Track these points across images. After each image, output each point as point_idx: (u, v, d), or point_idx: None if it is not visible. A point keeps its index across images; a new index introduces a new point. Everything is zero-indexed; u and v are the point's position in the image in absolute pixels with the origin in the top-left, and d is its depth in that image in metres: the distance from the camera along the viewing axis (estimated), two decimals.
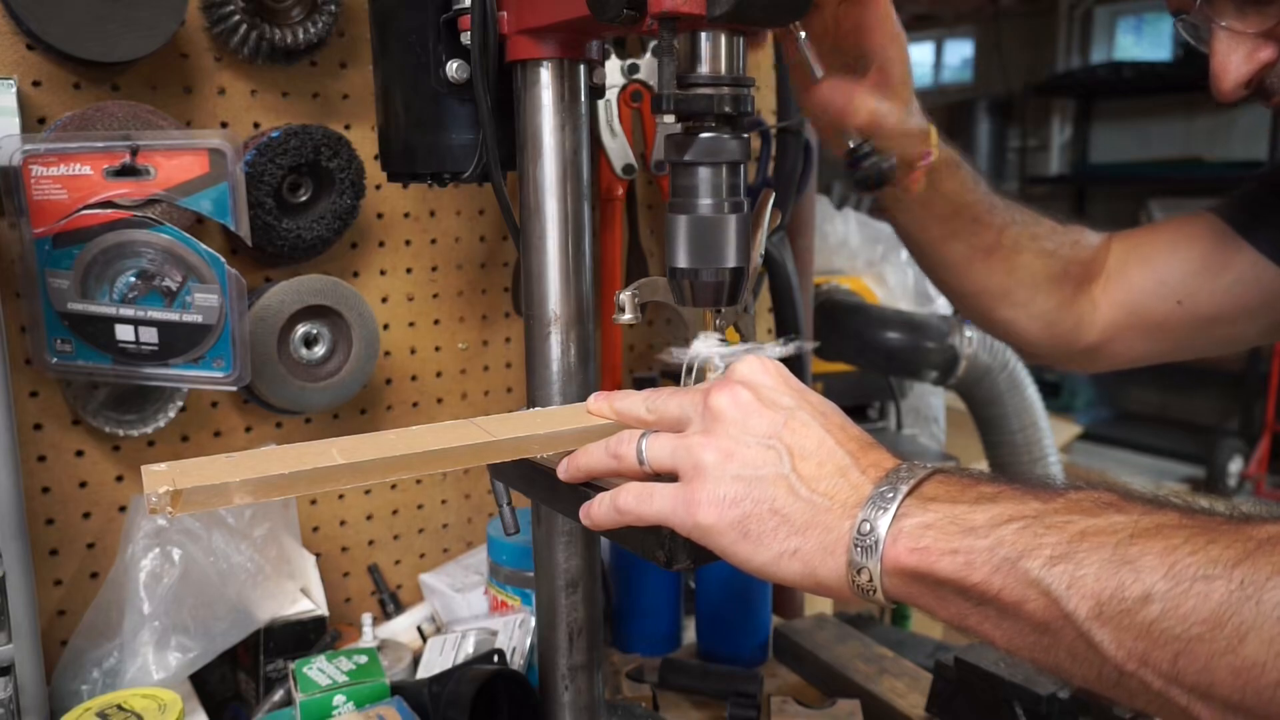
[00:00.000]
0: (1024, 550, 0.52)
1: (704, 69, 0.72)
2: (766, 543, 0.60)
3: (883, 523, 0.57)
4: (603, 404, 0.74)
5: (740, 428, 0.63)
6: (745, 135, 0.74)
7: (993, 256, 1.06)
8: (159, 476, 0.59)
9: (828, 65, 0.94)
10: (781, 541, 0.60)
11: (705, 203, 0.73)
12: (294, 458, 0.63)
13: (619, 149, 1.28)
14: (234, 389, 1.05)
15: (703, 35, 0.71)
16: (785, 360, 0.84)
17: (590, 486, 0.70)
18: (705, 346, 0.79)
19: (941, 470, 0.60)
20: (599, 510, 0.67)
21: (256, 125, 1.14)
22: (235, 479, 0.59)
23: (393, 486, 1.33)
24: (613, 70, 1.26)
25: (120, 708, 0.84)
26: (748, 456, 0.62)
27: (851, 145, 0.98)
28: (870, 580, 0.57)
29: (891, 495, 0.58)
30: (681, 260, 0.75)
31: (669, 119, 0.72)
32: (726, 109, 0.71)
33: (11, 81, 0.97)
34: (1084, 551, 0.51)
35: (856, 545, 0.57)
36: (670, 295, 0.79)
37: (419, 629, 1.29)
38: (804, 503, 0.60)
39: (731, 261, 0.74)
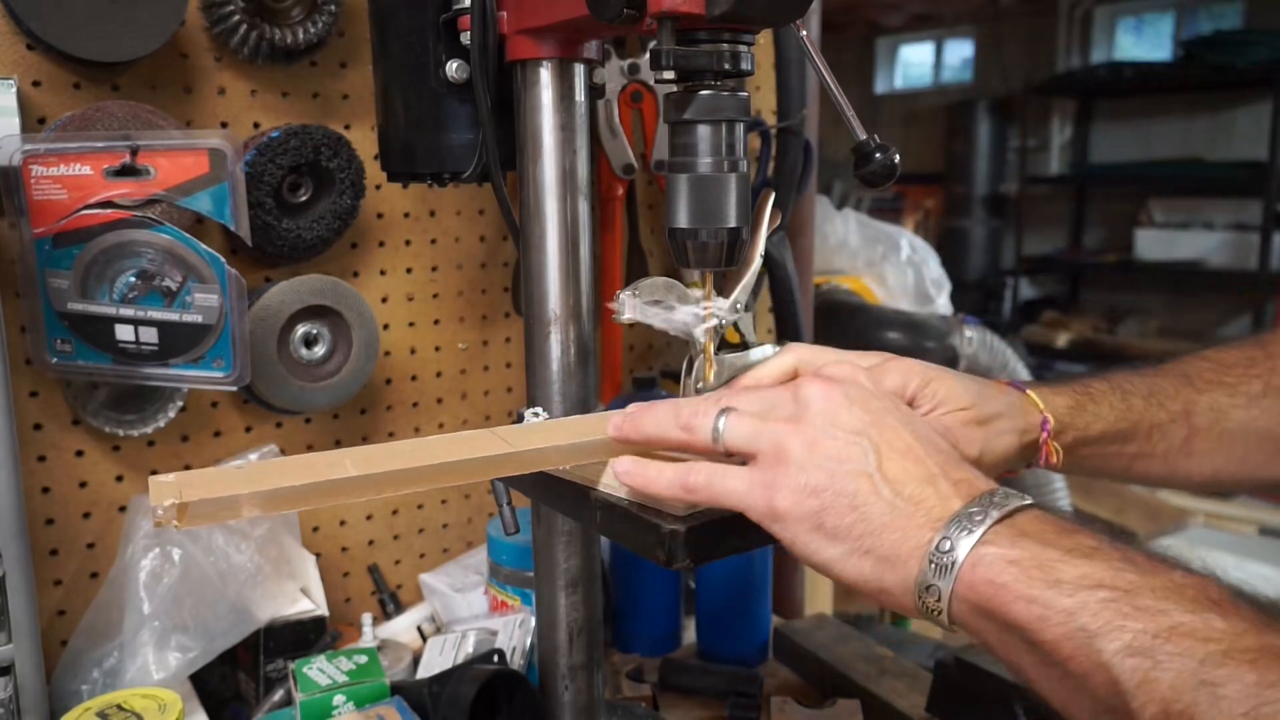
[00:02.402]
0: (1104, 627, 0.48)
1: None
2: (839, 538, 0.57)
3: (965, 544, 0.53)
4: (627, 430, 0.67)
5: (828, 419, 0.60)
6: (744, 93, 0.73)
7: (1194, 443, 0.84)
8: (166, 488, 0.56)
9: None
10: (855, 540, 0.57)
11: (705, 161, 0.72)
12: (306, 469, 0.60)
13: (619, 149, 1.28)
14: (234, 389, 1.05)
15: None
16: None
17: (588, 486, 0.70)
18: (711, 308, 0.78)
19: (1040, 506, 0.56)
20: (662, 480, 0.63)
21: (256, 125, 1.14)
22: (244, 491, 0.57)
23: None
24: (613, 70, 1.26)
25: (120, 708, 0.84)
26: (833, 448, 0.59)
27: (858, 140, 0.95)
28: (938, 601, 0.54)
29: (980, 517, 0.54)
30: (681, 220, 0.74)
31: (668, 75, 0.70)
32: (726, 65, 0.70)
33: (11, 81, 0.97)
34: (1167, 653, 0.46)
35: (932, 561, 0.54)
36: (670, 293, 0.78)
37: (419, 629, 1.28)
38: (885, 503, 0.56)
39: (731, 221, 0.73)
